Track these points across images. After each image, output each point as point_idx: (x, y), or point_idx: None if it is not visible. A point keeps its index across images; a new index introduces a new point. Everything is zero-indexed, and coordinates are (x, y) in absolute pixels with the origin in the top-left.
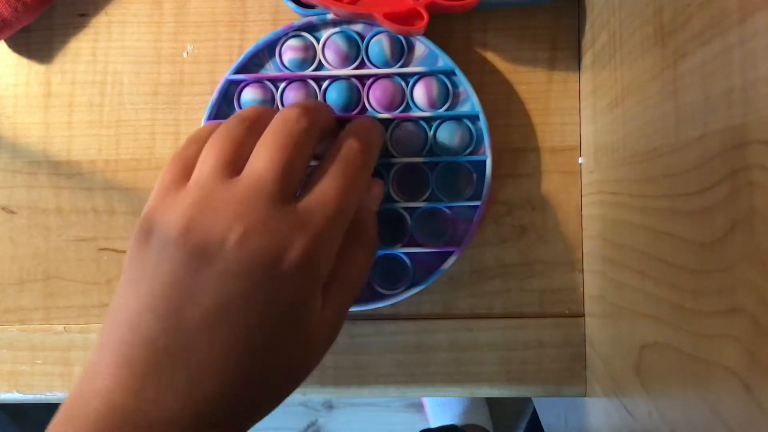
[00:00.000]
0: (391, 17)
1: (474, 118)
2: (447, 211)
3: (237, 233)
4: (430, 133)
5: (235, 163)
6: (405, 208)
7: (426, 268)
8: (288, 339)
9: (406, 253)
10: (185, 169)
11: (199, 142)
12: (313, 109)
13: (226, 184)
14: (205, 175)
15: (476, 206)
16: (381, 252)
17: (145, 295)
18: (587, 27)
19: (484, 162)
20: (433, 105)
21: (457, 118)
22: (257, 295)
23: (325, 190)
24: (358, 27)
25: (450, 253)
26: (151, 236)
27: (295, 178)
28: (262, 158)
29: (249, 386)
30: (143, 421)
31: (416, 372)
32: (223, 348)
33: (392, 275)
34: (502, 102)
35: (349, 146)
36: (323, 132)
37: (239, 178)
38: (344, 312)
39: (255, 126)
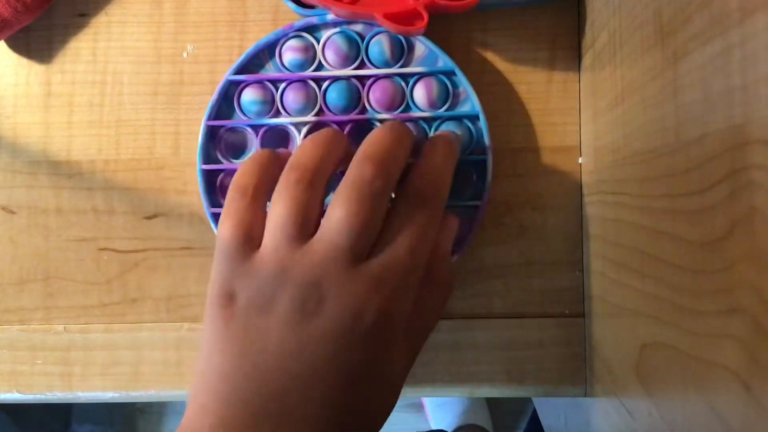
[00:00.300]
0: (391, 17)
1: (474, 118)
2: (447, 211)
3: (315, 301)
4: (431, 134)
5: (304, 227)
6: None
7: None
8: (373, 390)
9: None
10: (249, 231)
11: (246, 192)
12: (387, 158)
13: (300, 252)
14: (278, 241)
15: (476, 206)
16: None
17: (239, 362)
18: (587, 27)
19: (485, 162)
20: (433, 105)
21: (457, 119)
22: (341, 358)
23: (398, 247)
24: (358, 27)
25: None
26: (233, 308)
27: (369, 240)
28: (338, 222)
29: None
30: None
31: (416, 372)
32: (315, 406)
33: None
34: (502, 102)
35: (420, 194)
36: (404, 167)
37: (312, 244)
38: (419, 350)
39: (316, 181)
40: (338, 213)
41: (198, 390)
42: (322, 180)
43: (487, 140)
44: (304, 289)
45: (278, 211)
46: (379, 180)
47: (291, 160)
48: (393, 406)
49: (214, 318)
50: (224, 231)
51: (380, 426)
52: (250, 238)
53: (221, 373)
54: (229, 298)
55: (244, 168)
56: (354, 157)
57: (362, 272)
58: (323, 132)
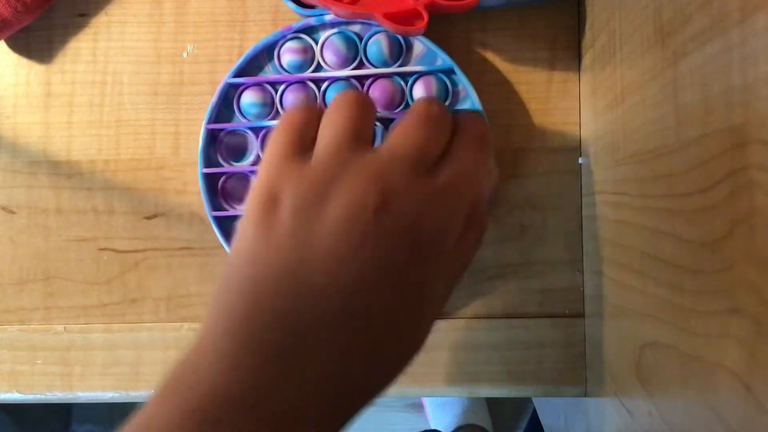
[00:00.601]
0: (391, 17)
1: None
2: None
3: (377, 201)
4: None
5: (363, 135)
6: None
7: None
8: (411, 309)
9: None
10: (302, 136)
11: (299, 106)
12: (439, 107)
13: (361, 154)
14: (338, 146)
15: None
16: None
17: (275, 272)
18: (587, 27)
19: None
20: None
21: None
22: (392, 264)
23: (458, 170)
24: (356, 27)
25: None
26: (279, 209)
27: (431, 155)
28: (399, 137)
29: (368, 358)
30: (261, 413)
31: (416, 372)
32: (359, 319)
33: None
34: (502, 102)
35: (477, 133)
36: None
37: (375, 150)
38: (452, 291)
39: (371, 106)
40: (401, 130)
41: (222, 295)
42: (373, 106)
43: None
44: (366, 188)
45: (334, 120)
46: (436, 108)
47: (337, 97)
48: (421, 342)
49: (254, 224)
50: (277, 134)
51: (405, 365)
52: (303, 143)
53: (253, 286)
54: (273, 201)
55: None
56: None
57: (426, 183)
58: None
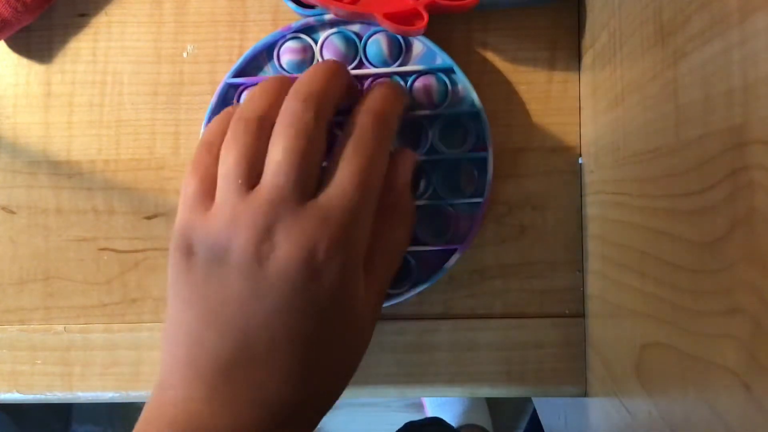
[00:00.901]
0: (391, 17)
1: (474, 115)
2: (449, 208)
3: (268, 245)
4: (431, 131)
5: (251, 173)
6: None
7: (430, 266)
8: (339, 326)
9: (409, 252)
10: (206, 180)
11: (212, 148)
12: (317, 93)
13: (248, 199)
14: (227, 192)
15: (479, 203)
16: None
17: (202, 313)
18: (587, 27)
19: (485, 158)
20: (432, 103)
21: (458, 116)
22: (301, 296)
23: (342, 178)
24: (356, 27)
25: (453, 251)
26: (193, 257)
27: (311, 174)
28: (276, 164)
29: (312, 378)
30: (218, 426)
31: (416, 372)
32: (281, 349)
33: (396, 275)
34: (502, 102)
35: (362, 125)
36: (338, 102)
37: (258, 189)
38: (386, 285)
39: (263, 126)
40: (275, 153)
41: (168, 342)
42: (270, 125)
43: (488, 136)
44: (255, 235)
45: (225, 161)
46: (310, 113)
47: (238, 110)
48: (363, 348)
49: (177, 267)
50: (186, 185)
51: (351, 371)
52: (209, 192)
53: (187, 323)
54: (188, 250)
55: (212, 125)
56: (285, 98)
57: (309, 208)
58: (269, 79)
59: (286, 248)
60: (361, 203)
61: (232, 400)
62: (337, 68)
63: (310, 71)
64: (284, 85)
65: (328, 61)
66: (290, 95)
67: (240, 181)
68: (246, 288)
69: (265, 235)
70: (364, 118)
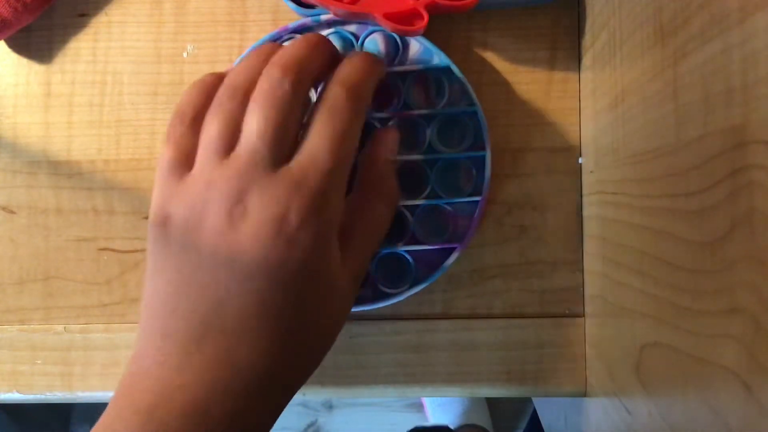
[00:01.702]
0: (391, 17)
1: (472, 114)
2: (448, 207)
3: (241, 209)
4: (428, 131)
5: (231, 140)
6: (405, 206)
7: (428, 265)
8: (312, 297)
9: (408, 252)
10: (180, 149)
11: (184, 118)
12: (295, 63)
13: (224, 165)
14: (206, 160)
15: (477, 201)
16: (383, 251)
17: (176, 282)
18: (587, 27)
19: (484, 157)
20: (430, 102)
21: (455, 115)
22: (272, 262)
23: (315, 146)
24: (352, 27)
25: (452, 250)
26: (168, 228)
27: (286, 141)
28: (252, 130)
29: (285, 348)
30: (191, 396)
31: (416, 372)
32: (253, 316)
33: (395, 274)
34: (502, 102)
35: (335, 96)
36: (318, 75)
37: (234, 155)
38: (365, 262)
39: (246, 94)
40: (251, 120)
41: (144, 314)
42: (249, 92)
43: (485, 135)
44: (229, 198)
45: (207, 129)
46: (287, 81)
47: (226, 79)
48: (339, 324)
49: (154, 240)
50: (162, 155)
51: (326, 345)
52: (185, 162)
53: (163, 292)
54: (165, 219)
55: (185, 95)
56: (265, 67)
57: (282, 174)
58: (261, 47)
59: (258, 212)
60: (333, 171)
61: (204, 369)
62: (318, 41)
63: (292, 42)
64: (270, 52)
65: (310, 34)
66: (270, 64)
67: (219, 150)
68: (219, 253)
69: (238, 198)
70: (336, 88)
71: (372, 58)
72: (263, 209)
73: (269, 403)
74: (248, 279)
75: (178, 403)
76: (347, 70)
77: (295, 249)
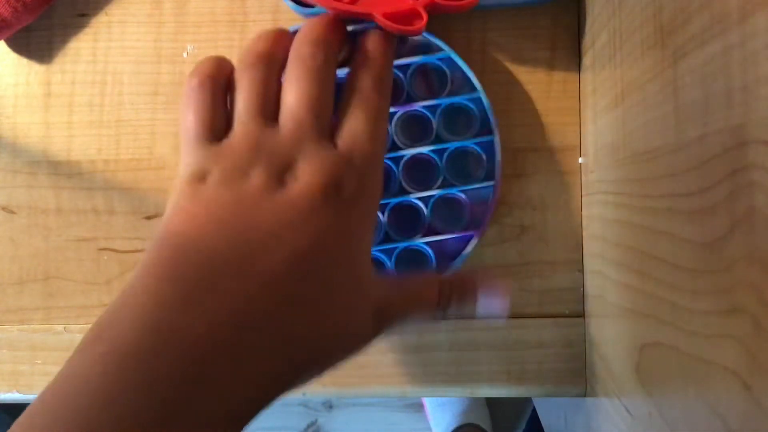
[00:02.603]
0: (390, 17)
1: (476, 100)
2: (462, 195)
3: (290, 175)
4: (435, 121)
5: (267, 107)
6: (420, 198)
7: (448, 255)
8: (340, 274)
9: (426, 243)
10: (213, 121)
11: (204, 85)
12: (324, 39)
13: (269, 131)
14: (247, 127)
15: (491, 186)
16: (402, 245)
17: (205, 221)
18: (587, 27)
19: (492, 142)
20: (433, 92)
21: (459, 103)
22: (315, 222)
23: (355, 128)
24: (350, 27)
25: (470, 237)
26: (204, 181)
27: (327, 113)
28: (294, 101)
29: (305, 316)
30: (192, 337)
31: (416, 372)
32: (279, 269)
33: (416, 266)
34: (502, 102)
35: (363, 80)
36: (341, 49)
37: (280, 124)
38: (395, 313)
39: (274, 62)
40: (290, 93)
41: (151, 246)
42: (276, 61)
43: (492, 119)
44: (279, 163)
45: (240, 97)
46: (319, 53)
47: (244, 49)
48: (364, 316)
49: (180, 194)
50: (189, 122)
51: (346, 320)
52: (216, 127)
53: (188, 235)
54: (201, 176)
55: (200, 65)
56: (292, 45)
57: (329, 149)
58: (270, 30)
59: (309, 177)
60: (375, 154)
61: (212, 313)
62: (336, 20)
63: (312, 21)
64: (284, 33)
65: (324, 14)
66: (298, 40)
67: (261, 115)
68: (262, 206)
69: (288, 164)
70: (363, 72)
71: (387, 36)
72: (313, 175)
73: (252, 370)
74: (286, 228)
75: (164, 349)
76: (369, 52)
77: (343, 216)
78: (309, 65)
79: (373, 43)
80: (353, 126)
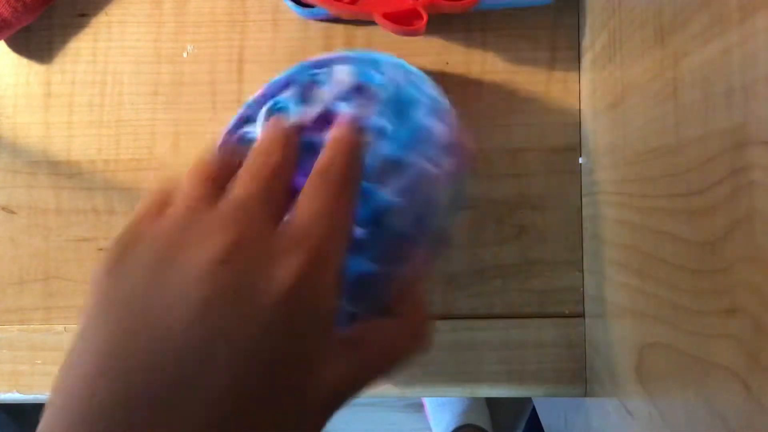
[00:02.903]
0: (390, 17)
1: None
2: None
3: (222, 248)
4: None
5: (217, 185)
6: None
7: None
8: (280, 386)
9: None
10: (164, 199)
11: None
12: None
13: (212, 204)
14: (188, 197)
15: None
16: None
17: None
18: (587, 27)
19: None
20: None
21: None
22: (243, 327)
23: (314, 207)
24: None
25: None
26: (127, 255)
27: (281, 198)
28: (246, 180)
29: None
30: None
31: (417, 372)
32: (216, 369)
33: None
34: (502, 102)
35: (330, 161)
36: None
37: (225, 197)
38: (356, 384)
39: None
40: (241, 179)
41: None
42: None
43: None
44: (210, 237)
45: (190, 176)
46: (275, 155)
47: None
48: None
49: (104, 271)
50: (146, 197)
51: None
52: (162, 204)
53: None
54: (122, 254)
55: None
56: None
57: (279, 230)
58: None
59: (241, 258)
60: (332, 236)
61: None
62: (287, 131)
63: (265, 131)
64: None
65: (275, 130)
66: (262, 137)
67: (202, 187)
68: (191, 295)
69: (222, 237)
70: (333, 156)
71: (354, 131)
72: (249, 258)
73: None
74: (208, 346)
75: None
76: (337, 143)
77: (278, 318)
78: (267, 162)
79: (337, 132)
80: (313, 203)
